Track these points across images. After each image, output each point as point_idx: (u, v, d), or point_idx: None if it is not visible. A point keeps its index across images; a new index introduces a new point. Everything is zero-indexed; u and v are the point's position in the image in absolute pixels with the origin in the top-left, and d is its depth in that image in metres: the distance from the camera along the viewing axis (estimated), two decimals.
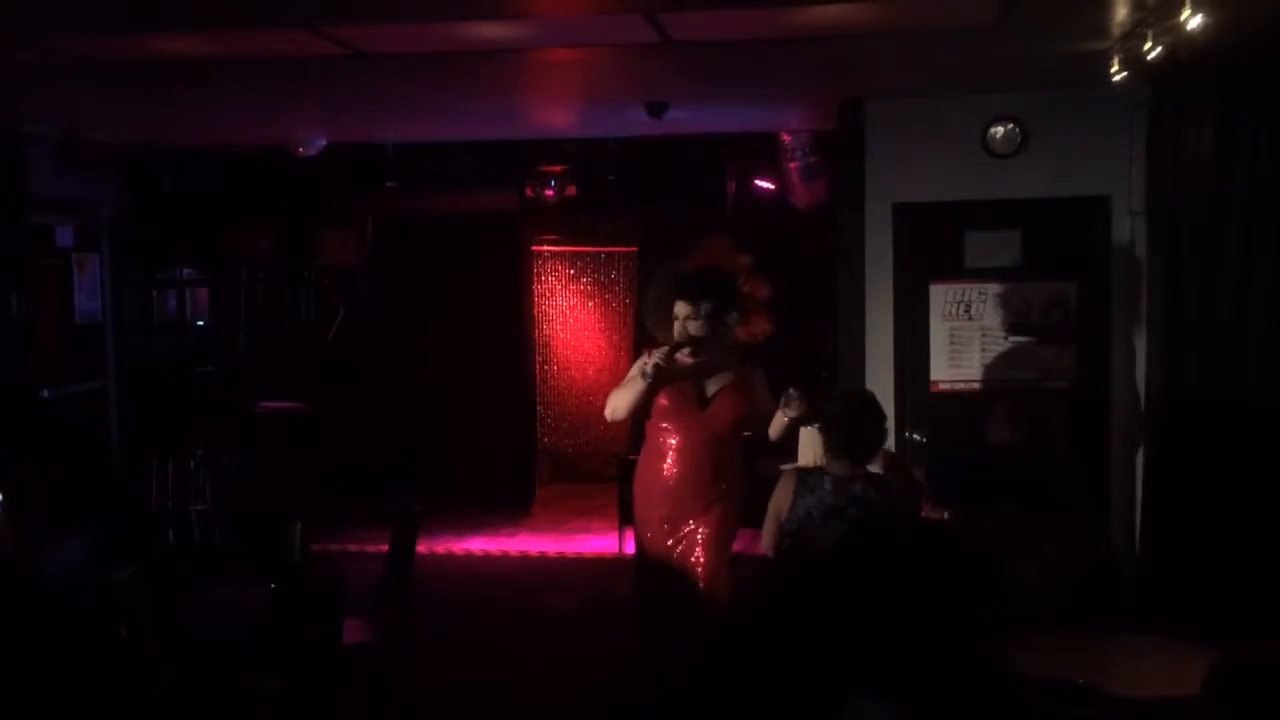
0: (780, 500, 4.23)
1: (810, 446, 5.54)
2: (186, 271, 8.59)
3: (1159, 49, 4.27)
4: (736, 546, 4.73)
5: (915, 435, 5.98)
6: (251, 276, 9.08)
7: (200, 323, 8.75)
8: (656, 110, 6.25)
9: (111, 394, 7.80)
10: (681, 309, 4.44)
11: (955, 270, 6.01)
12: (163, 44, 4.61)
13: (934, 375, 6.04)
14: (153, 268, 8.28)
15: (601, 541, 8.15)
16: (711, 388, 4.55)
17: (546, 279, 10.27)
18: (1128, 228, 5.81)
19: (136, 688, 3.64)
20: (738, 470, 4.62)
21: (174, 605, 4.23)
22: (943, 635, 1.88)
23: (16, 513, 3.82)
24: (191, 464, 7.89)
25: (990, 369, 5.93)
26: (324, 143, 7.44)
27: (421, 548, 5.50)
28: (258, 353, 9.01)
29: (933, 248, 6.04)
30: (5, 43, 4.53)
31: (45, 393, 7.04)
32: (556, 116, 7.13)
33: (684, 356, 4.45)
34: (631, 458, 8.60)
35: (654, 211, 9.19)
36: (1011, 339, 5.92)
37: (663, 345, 4.44)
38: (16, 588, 3.42)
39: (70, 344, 7.45)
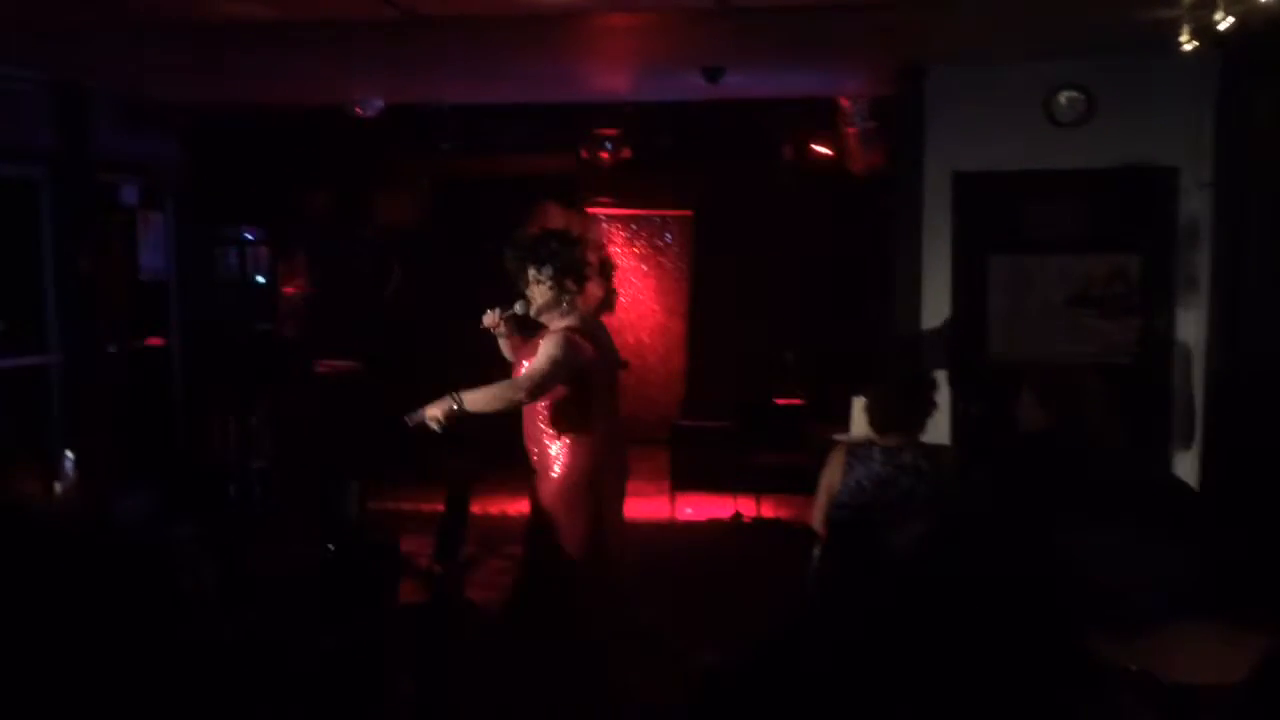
0: (831, 474, 4.23)
1: (863, 417, 5.54)
2: (247, 232, 8.72)
3: (1230, 18, 4.15)
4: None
5: (972, 409, 5.93)
6: (310, 235, 9.20)
7: (260, 278, 8.88)
8: (713, 75, 6.20)
9: (175, 350, 7.95)
10: (530, 273, 4.33)
11: (1016, 241, 5.92)
12: (226, 7, 4.66)
13: (993, 348, 5.97)
14: (215, 226, 8.41)
15: (652, 505, 8.20)
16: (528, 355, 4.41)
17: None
18: (1194, 199, 5.69)
19: (198, 643, 3.75)
20: (550, 437, 4.35)
21: (235, 562, 4.34)
22: (1011, 635, 1.87)
23: (84, 468, 3.92)
24: (253, 420, 8.03)
25: (1051, 343, 5.85)
26: (382, 104, 7.47)
27: (475, 508, 5.57)
28: (317, 311, 9.14)
29: (993, 218, 5.95)
30: (72, 4, 4.60)
31: (111, 349, 7.20)
32: (613, 80, 7.09)
33: (492, 318, 4.43)
34: (683, 422, 8.68)
35: (710, 174, 9.17)
36: (1073, 312, 5.84)
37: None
38: (84, 543, 3.52)
39: (135, 301, 7.60)
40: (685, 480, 8.08)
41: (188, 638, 3.70)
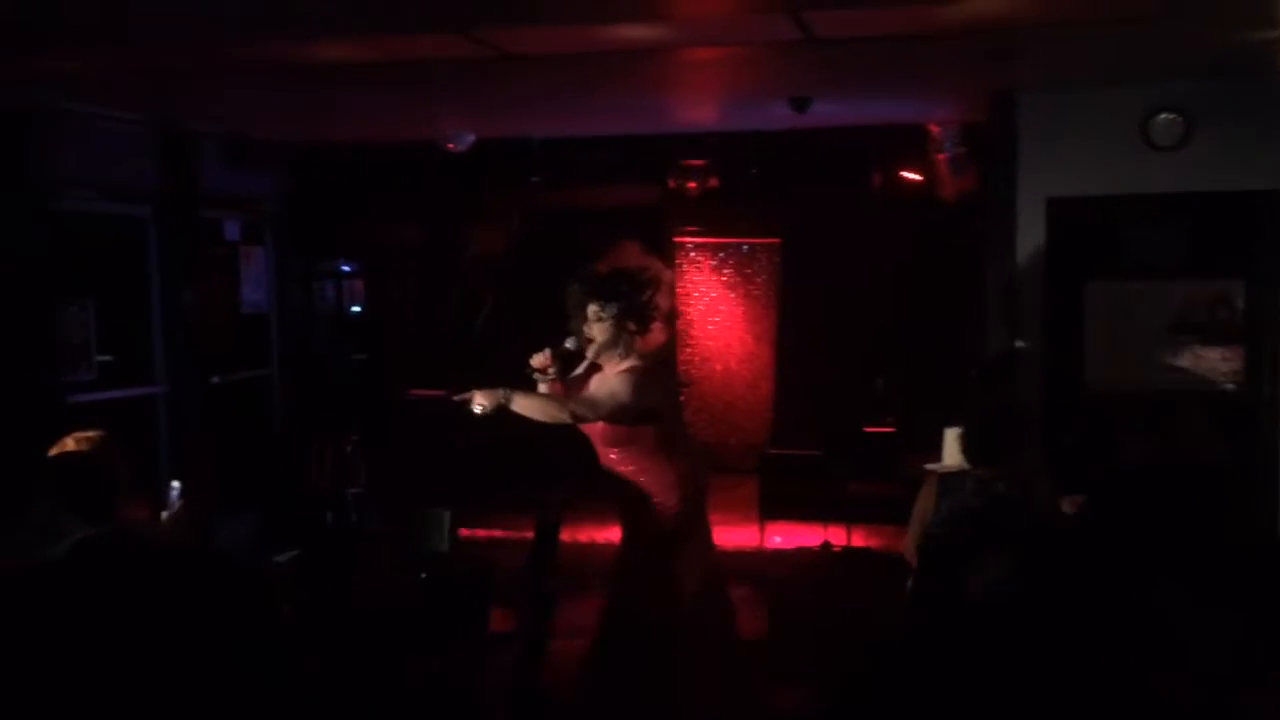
0: (924, 503, 4.18)
1: (955, 447, 5.45)
2: (344, 264, 8.94)
3: None
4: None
5: (1067, 439, 5.79)
6: (404, 267, 9.40)
7: (355, 308, 9.09)
8: (800, 105, 6.20)
9: (275, 381, 8.18)
10: (591, 309, 4.28)
11: (1112, 267, 5.80)
12: (322, 50, 4.81)
13: (1089, 376, 5.84)
14: (312, 259, 8.64)
15: (742, 534, 8.15)
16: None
17: (689, 270, 10.31)
18: None
19: (295, 669, 3.83)
20: (633, 482, 4.31)
21: (331, 588, 4.43)
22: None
23: (188, 497, 4.05)
24: (348, 449, 8.21)
25: (1150, 371, 5.71)
26: (473, 139, 7.62)
27: (564, 536, 5.60)
28: (410, 342, 9.32)
29: (1088, 243, 5.84)
30: (175, 50, 4.80)
31: (214, 379, 7.43)
32: (699, 111, 7.14)
33: (542, 359, 4.31)
34: (772, 450, 8.63)
35: (797, 202, 9.14)
36: (1173, 340, 5.69)
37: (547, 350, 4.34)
38: (187, 569, 3.61)
39: (237, 333, 7.84)
40: (774, 509, 8.02)
41: (285, 664, 3.78)
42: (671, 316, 4.52)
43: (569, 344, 4.35)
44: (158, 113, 6.77)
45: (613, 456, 4.36)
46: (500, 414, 4.13)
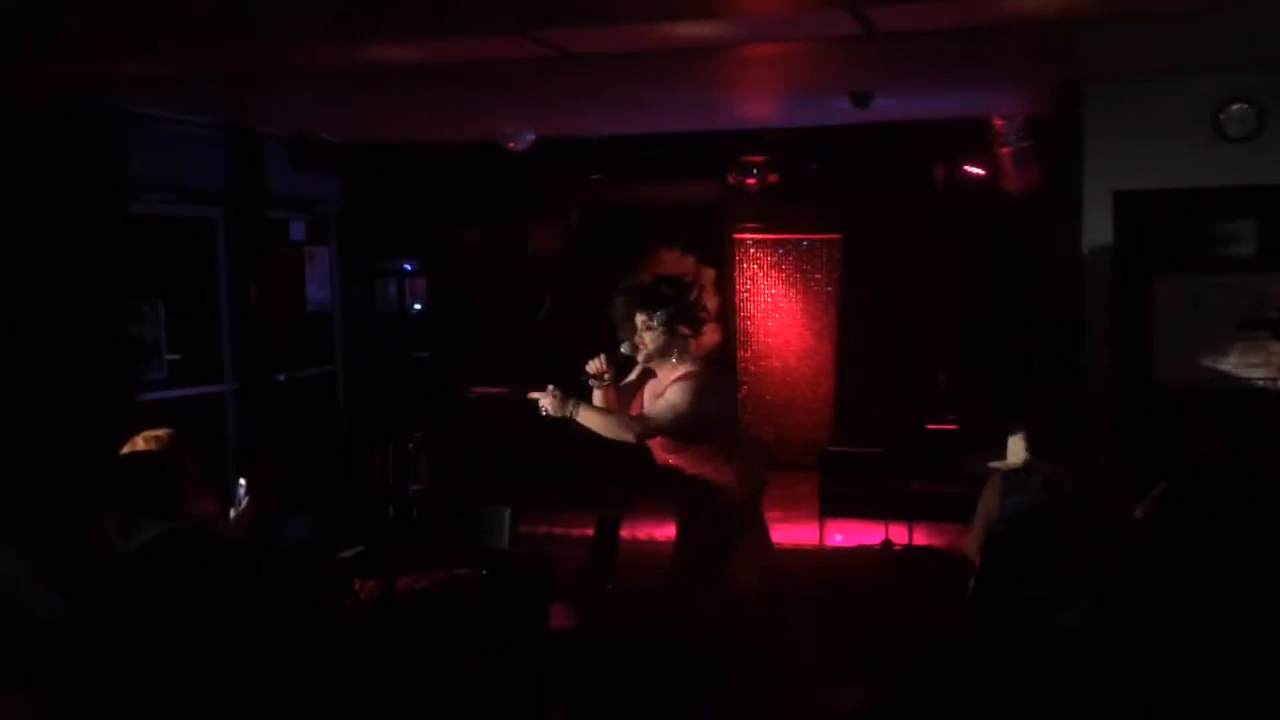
0: (989, 500, 4.12)
1: (1019, 443, 5.37)
2: (405, 263, 9.04)
3: None
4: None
5: (1137, 436, 5.69)
6: (465, 265, 9.48)
7: (417, 306, 9.19)
8: (861, 100, 6.15)
9: (339, 379, 8.30)
10: (640, 319, 4.30)
11: (1182, 261, 5.67)
12: (384, 52, 4.86)
13: (1158, 372, 5.72)
14: (375, 258, 8.75)
15: (802, 532, 8.12)
16: (650, 401, 4.36)
17: (748, 267, 10.27)
18: None
19: (359, 661, 3.89)
20: (691, 482, 4.32)
21: (394, 584, 4.49)
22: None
23: (253, 493, 4.12)
24: (410, 446, 8.31)
25: (1221, 368, 5.58)
26: (533, 137, 7.66)
27: (623, 533, 5.62)
28: (470, 339, 9.40)
29: (1157, 237, 5.72)
30: (241, 54, 4.88)
31: (280, 377, 7.55)
32: (759, 107, 7.11)
33: (598, 365, 4.33)
34: (832, 448, 8.58)
35: (858, 198, 9.07)
36: (1245, 335, 5.55)
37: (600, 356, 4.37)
38: (254, 565, 3.68)
39: (302, 331, 7.96)
40: (835, 506, 7.98)
41: (348, 656, 3.84)
42: (722, 315, 4.51)
43: (624, 349, 4.38)
44: (227, 116, 6.90)
45: (670, 460, 4.37)
46: (564, 419, 4.20)
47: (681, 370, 4.29)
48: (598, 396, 4.41)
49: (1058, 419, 4.07)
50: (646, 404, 4.35)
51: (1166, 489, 3.91)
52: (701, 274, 4.46)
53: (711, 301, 4.41)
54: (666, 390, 4.25)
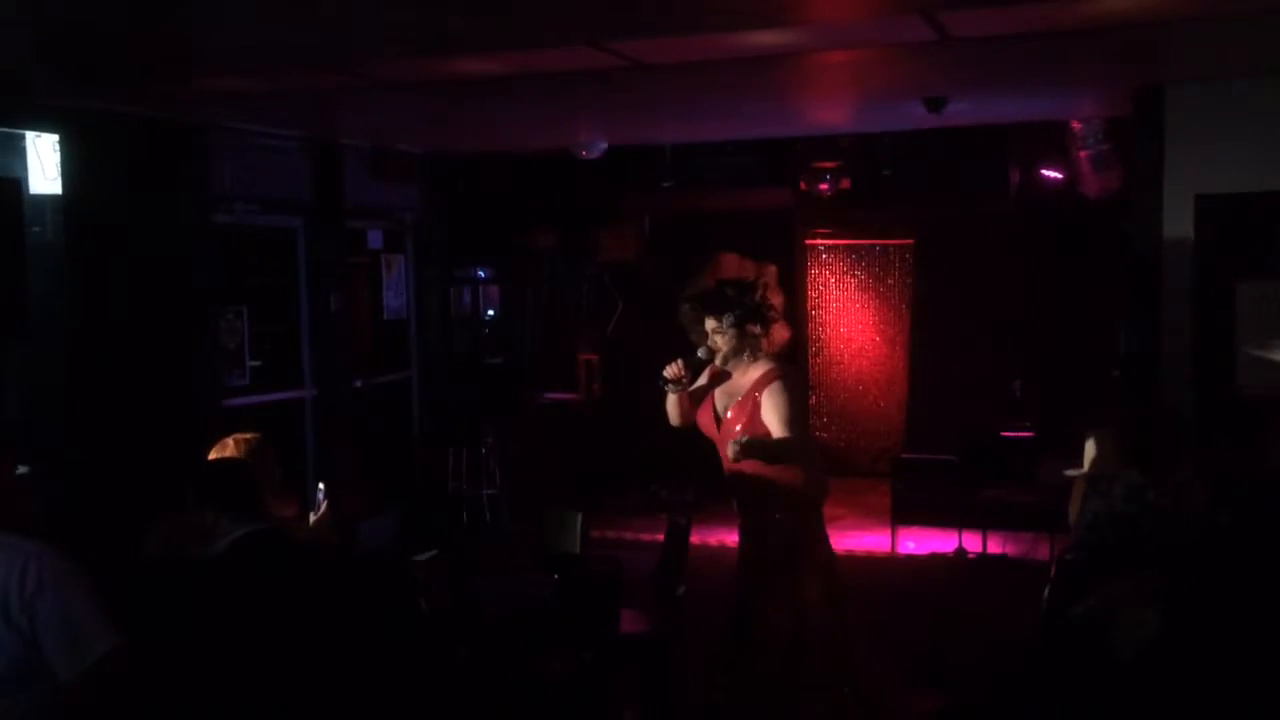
0: (1073, 509, 4.07)
1: (1094, 451, 5.28)
2: (479, 271, 9.17)
3: None
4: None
5: (1218, 444, 5.56)
6: (537, 273, 9.57)
7: (490, 312, 9.31)
8: (935, 105, 6.11)
9: (414, 384, 8.44)
10: (709, 324, 4.32)
11: (1265, 266, 5.54)
12: (461, 65, 4.96)
13: (1241, 379, 5.60)
14: (450, 266, 8.89)
15: (873, 539, 8.06)
16: (728, 403, 4.34)
17: (820, 272, 10.24)
18: None
19: (434, 664, 3.96)
20: (761, 485, 4.26)
21: (468, 588, 4.56)
22: None
23: (333, 497, 4.22)
24: (483, 450, 8.42)
25: None
26: (605, 146, 7.73)
27: (694, 538, 5.64)
28: (543, 346, 9.49)
29: (1241, 242, 5.60)
30: (331, 70, 5.01)
31: (358, 383, 7.71)
32: (831, 114, 7.09)
33: (676, 369, 4.28)
34: (905, 454, 8.51)
35: (932, 203, 8.99)
36: None
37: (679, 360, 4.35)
38: (333, 567, 3.77)
39: (379, 338, 8.12)
40: (907, 513, 7.91)
41: (423, 659, 3.91)
42: (789, 311, 4.49)
43: (701, 354, 4.40)
44: (310, 129, 7.07)
45: (741, 463, 4.37)
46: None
47: (760, 370, 4.29)
48: (671, 400, 4.43)
49: (1147, 428, 4.00)
50: (718, 402, 4.35)
51: (1249, 497, 3.82)
52: (763, 272, 4.45)
53: (776, 298, 4.42)
54: (760, 401, 4.21)
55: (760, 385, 4.24)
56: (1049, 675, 2.22)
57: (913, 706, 4.62)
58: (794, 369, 4.38)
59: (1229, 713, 1.88)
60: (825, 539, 4.50)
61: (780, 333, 4.38)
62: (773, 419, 4.18)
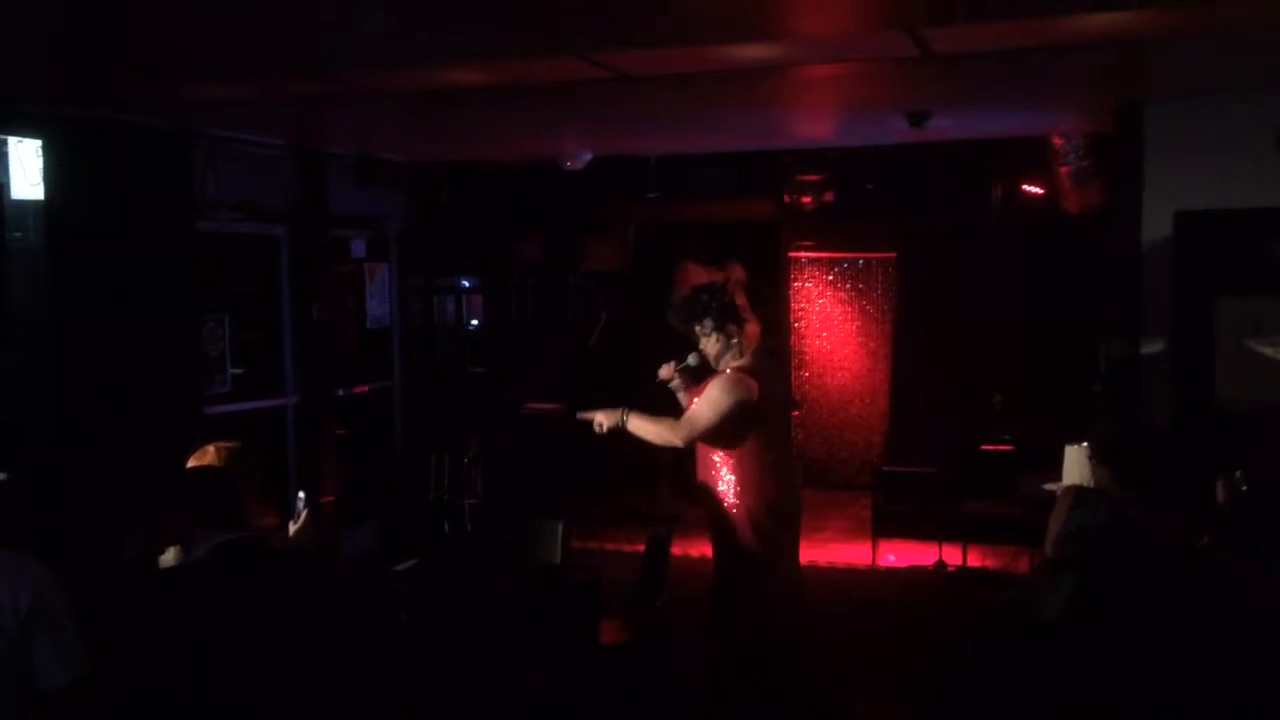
0: (1056, 519, 4.09)
1: (1076, 466, 5.31)
2: (463, 280, 9.16)
3: None
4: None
5: (1197, 459, 5.60)
6: (521, 282, 9.57)
7: (474, 322, 9.30)
8: (918, 120, 6.15)
9: (397, 393, 8.42)
10: (696, 331, 4.48)
11: (1246, 282, 5.59)
12: (447, 76, 4.97)
13: (1220, 394, 5.64)
14: (434, 276, 8.88)
15: (854, 552, 8.08)
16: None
17: (803, 285, 10.27)
18: None
19: (415, 674, 3.94)
20: (720, 473, 4.39)
21: (449, 598, 4.55)
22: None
23: (313, 505, 4.21)
24: (465, 460, 8.40)
25: None
26: (590, 156, 7.74)
27: (675, 550, 5.64)
28: (526, 355, 9.48)
29: (1220, 258, 5.65)
30: (316, 78, 5.01)
31: (340, 392, 7.69)
32: (815, 127, 7.13)
33: (668, 370, 4.56)
34: (886, 467, 8.54)
35: (914, 217, 9.04)
36: None
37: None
38: (313, 577, 3.75)
39: (362, 347, 8.10)
40: (888, 527, 7.94)
41: (404, 669, 3.90)
42: (758, 305, 4.59)
43: (690, 360, 4.54)
44: (294, 136, 7.06)
45: (713, 473, 4.42)
46: (619, 431, 4.37)
47: (733, 365, 4.41)
48: (681, 399, 4.60)
49: (1131, 446, 4.02)
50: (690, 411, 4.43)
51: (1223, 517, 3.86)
52: (730, 273, 4.58)
53: (740, 298, 4.51)
54: (708, 391, 4.37)
55: (714, 378, 4.39)
56: (988, 652, 2.30)
57: (873, 712, 4.70)
58: (760, 367, 4.41)
59: (1149, 655, 1.94)
60: (794, 554, 4.54)
61: (752, 329, 4.47)
62: (698, 404, 4.35)
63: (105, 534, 3.59)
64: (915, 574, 7.65)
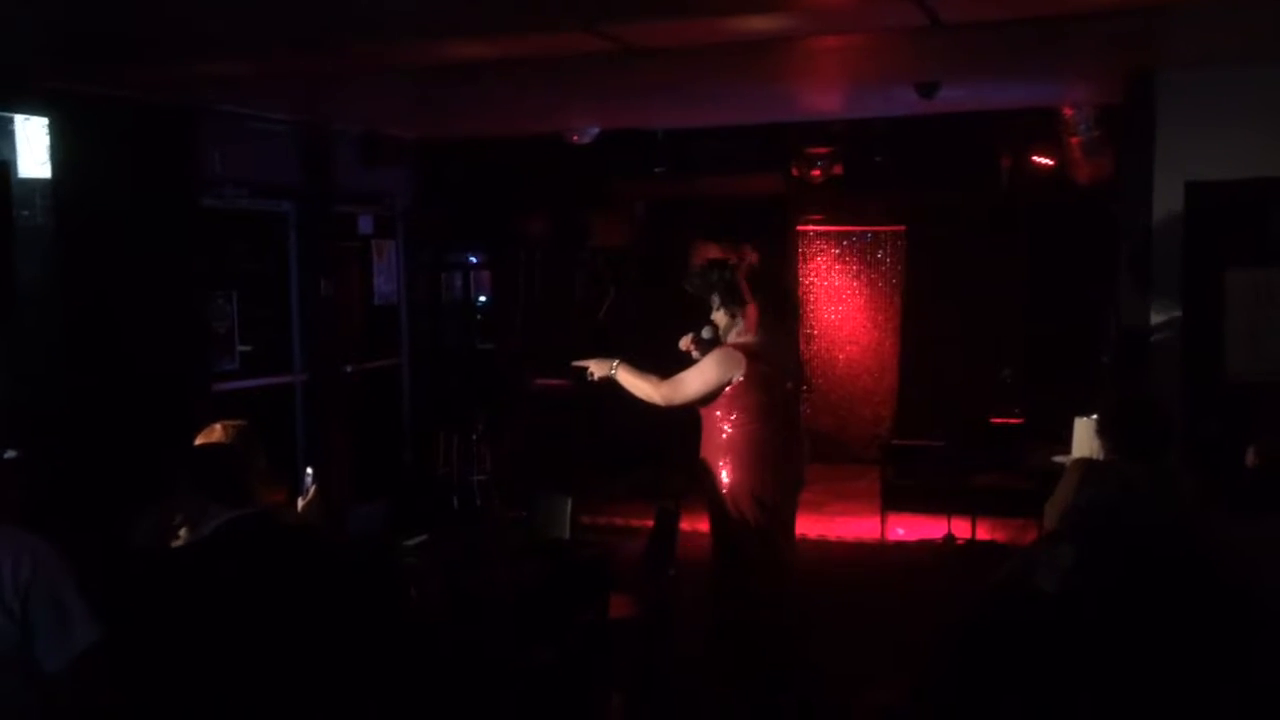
0: (1064, 490, 4.07)
1: (1086, 439, 5.30)
2: (471, 256, 9.15)
3: None
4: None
5: (1207, 429, 5.58)
6: (529, 258, 9.55)
7: (481, 298, 9.29)
8: (927, 91, 6.10)
9: (404, 370, 8.43)
10: (712, 302, 4.63)
11: (1258, 253, 5.55)
12: (452, 49, 4.94)
13: (1230, 367, 5.61)
14: (441, 252, 8.86)
15: (863, 526, 8.08)
16: None
17: (812, 258, 10.23)
18: None
19: (423, 650, 3.96)
20: (720, 449, 4.55)
21: (458, 574, 4.56)
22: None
23: (321, 482, 4.22)
24: (473, 436, 8.41)
25: None
26: (596, 131, 7.70)
27: (683, 525, 5.65)
28: (534, 331, 9.48)
29: (1231, 229, 5.61)
30: (315, 52, 4.99)
31: (348, 369, 7.69)
32: (823, 99, 7.08)
33: (686, 342, 4.72)
34: (896, 441, 8.52)
35: (924, 189, 8.99)
36: None
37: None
38: (321, 553, 3.76)
39: (370, 324, 8.10)
40: (897, 500, 7.93)
41: (412, 644, 3.92)
42: (762, 286, 4.67)
43: (705, 332, 4.66)
44: (300, 113, 7.04)
45: (713, 447, 4.53)
46: (609, 382, 4.62)
47: (735, 342, 4.55)
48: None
49: (1139, 419, 4.01)
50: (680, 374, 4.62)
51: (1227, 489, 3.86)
52: (742, 254, 4.70)
53: (744, 277, 4.62)
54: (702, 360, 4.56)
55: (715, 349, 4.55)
56: (986, 627, 2.31)
57: (875, 694, 4.75)
58: (739, 355, 4.50)
59: (1150, 627, 1.95)
60: (788, 530, 4.66)
61: (751, 312, 4.58)
62: (689, 370, 4.54)
63: (113, 512, 3.60)
64: (924, 547, 7.65)
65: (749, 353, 4.47)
